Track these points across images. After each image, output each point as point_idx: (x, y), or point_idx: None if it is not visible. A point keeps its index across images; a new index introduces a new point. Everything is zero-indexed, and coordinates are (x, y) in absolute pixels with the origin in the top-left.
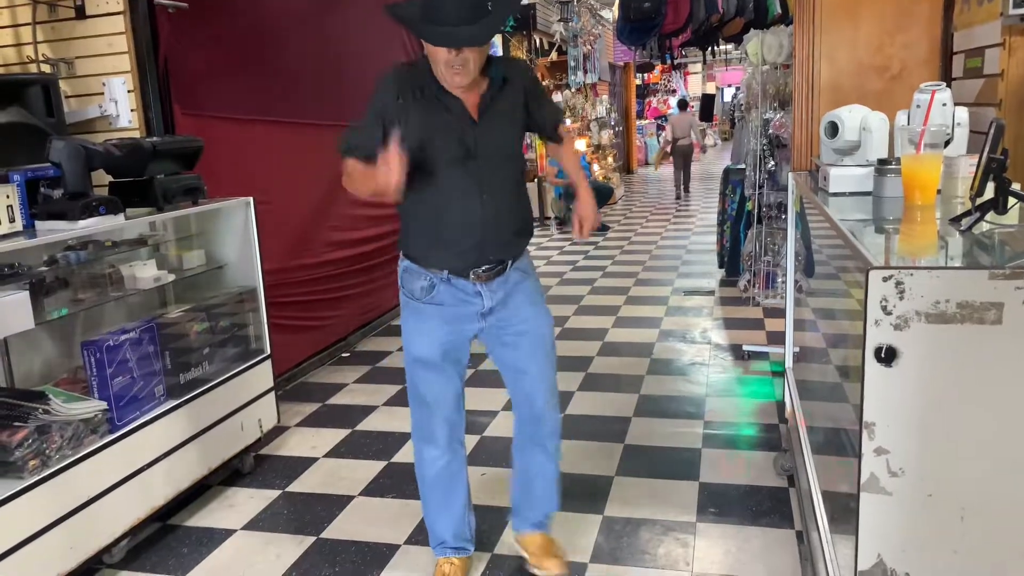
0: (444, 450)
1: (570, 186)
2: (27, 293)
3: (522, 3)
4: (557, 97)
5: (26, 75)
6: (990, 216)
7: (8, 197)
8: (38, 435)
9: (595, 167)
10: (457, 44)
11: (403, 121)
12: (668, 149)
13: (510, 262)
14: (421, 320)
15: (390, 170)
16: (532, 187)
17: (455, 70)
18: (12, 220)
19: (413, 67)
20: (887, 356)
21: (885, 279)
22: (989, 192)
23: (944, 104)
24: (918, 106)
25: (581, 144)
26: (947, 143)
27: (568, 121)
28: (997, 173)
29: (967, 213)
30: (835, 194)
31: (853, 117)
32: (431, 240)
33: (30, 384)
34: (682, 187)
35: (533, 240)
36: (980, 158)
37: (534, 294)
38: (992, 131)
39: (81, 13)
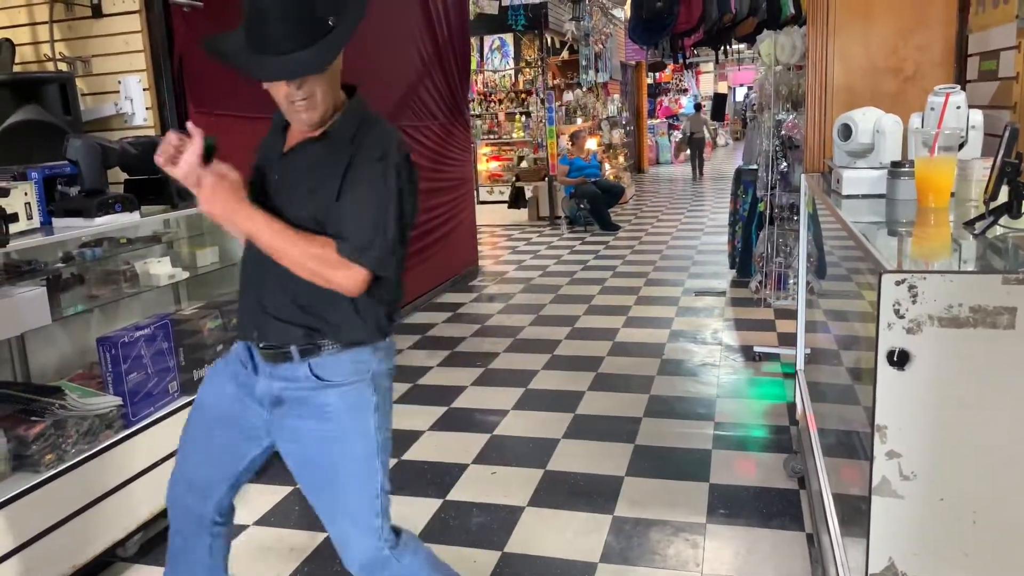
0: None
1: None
2: (44, 289)
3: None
4: (568, 96)
5: (43, 73)
6: (1004, 220)
7: (26, 194)
8: (54, 430)
9: (606, 166)
10: (286, 76)
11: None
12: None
13: (294, 351)
14: (219, 367)
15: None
16: (543, 186)
17: (297, 107)
18: (30, 217)
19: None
20: (899, 360)
21: (898, 283)
22: (1003, 196)
23: (958, 107)
24: (932, 109)
25: (592, 143)
26: (961, 146)
27: (579, 120)
28: (1011, 177)
29: (981, 217)
30: (848, 196)
31: (867, 119)
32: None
33: (46, 379)
34: (697, 171)
35: (543, 239)
36: (994, 161)
37: (328, 414)
38: (1007, 135)
39: (98, 12)
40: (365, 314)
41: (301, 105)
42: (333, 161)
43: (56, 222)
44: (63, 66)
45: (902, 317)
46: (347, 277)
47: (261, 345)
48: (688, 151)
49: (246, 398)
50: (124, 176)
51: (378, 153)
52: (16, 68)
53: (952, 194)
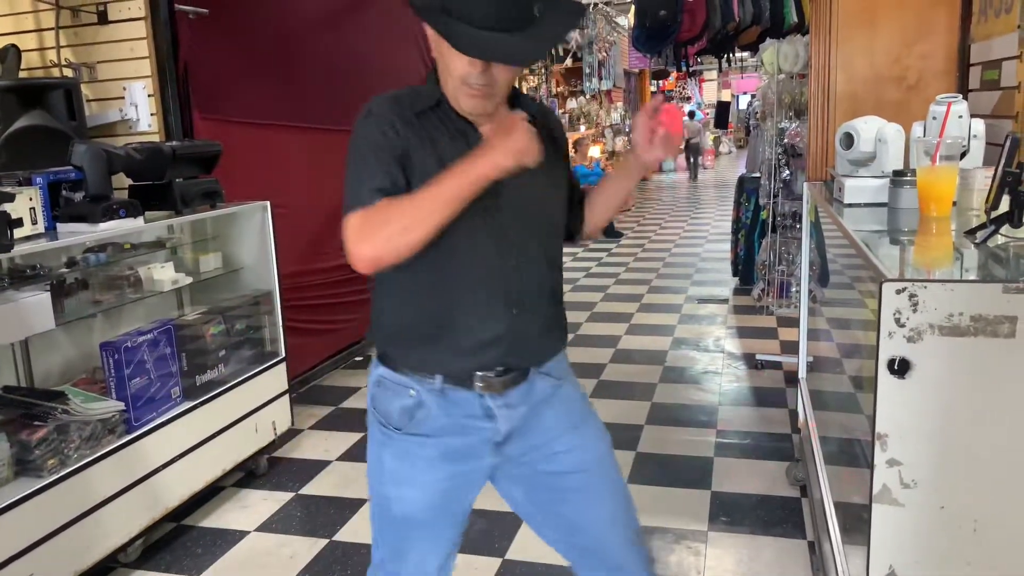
0: None
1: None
2: (48, 294)
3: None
4: (572, 103)
5: (49, 79)
6: (1005, 229)
7: (31, 199)
8: (57, 434)
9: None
10: (493, 56)
11: (413, 155)
12: (683, 146)
13: (533, 368)
14: (397, 461)
15: (521, 133)
16: None
17: (474, 91)
18: (35, 222)
19: (404, 93)
20: (900, 368)
21: (899, 291)
22: (1004, 205)
23: (960, 116)
24: (934, 118)
25: (595, 151)
26: (963, 155)
27: (583, 127)
28: (1013, 186)
29: (982, 226)
30: (850, 205)
31: (869, 128)
32: (428, 329)
33: (49, 384)
34: (691, 172)
35: None
36: (996, 171)
37: (575, 407)
38: (1008, 144)
39: (103, 18)
40: None
41: (477, 90)
42: (552, 148)
43: (60, 227)
44: (68, 72)
45: (903, 326)
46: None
47: (497, 372)
48: (684, 155)
49: (463, 465)
50: (128, 182)
51: (560, 127)
52: (22, 74)
53: (954, 203)
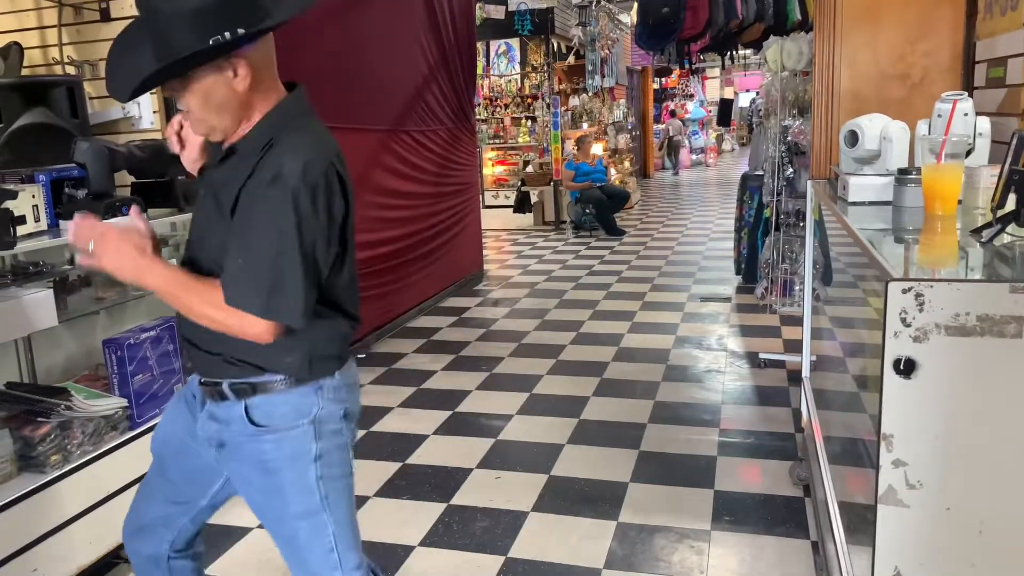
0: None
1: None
2: (51, 291)
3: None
4: (574, 101)
5: (51, 76)
6: (1011, 228)
7: (34, 197)
8: (60, 431)
9: (612, 171)
10: (112, 91)
11: None
12: (665, 142)
13: (226, 387)
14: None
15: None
16: (548, 191)
17: (184, 116)
18: (37, 219)
19: None
20: (906, 368)
21: (905, 291)
22: (1011, 204)
23: (966, 114)
24: (939, 115)
25: (598, 148)
26: (968, 153)
27: (585, 125)
28: (1019, 185)
29: (988, 225)
30: (854, 203)
31: (873, 126)
32: None
33: (52, 380)
34: (672, 168)
35: (549, 243)
36: (1002, 169)
37: (259, 469)
38: (1014, 143)
39: (106, 16)
40: (295, 349)
41: (184, 117)
42: (231, 180)
43: (63, 224)
44: (71, 69)
45: (908, 325)
46: (244, 327)
47: (201, 380)
48: (666, 151)
49: (194, 433)
50: (131, 179)
51: (269, 175)
52: (24, 71)
53: (959, 201)
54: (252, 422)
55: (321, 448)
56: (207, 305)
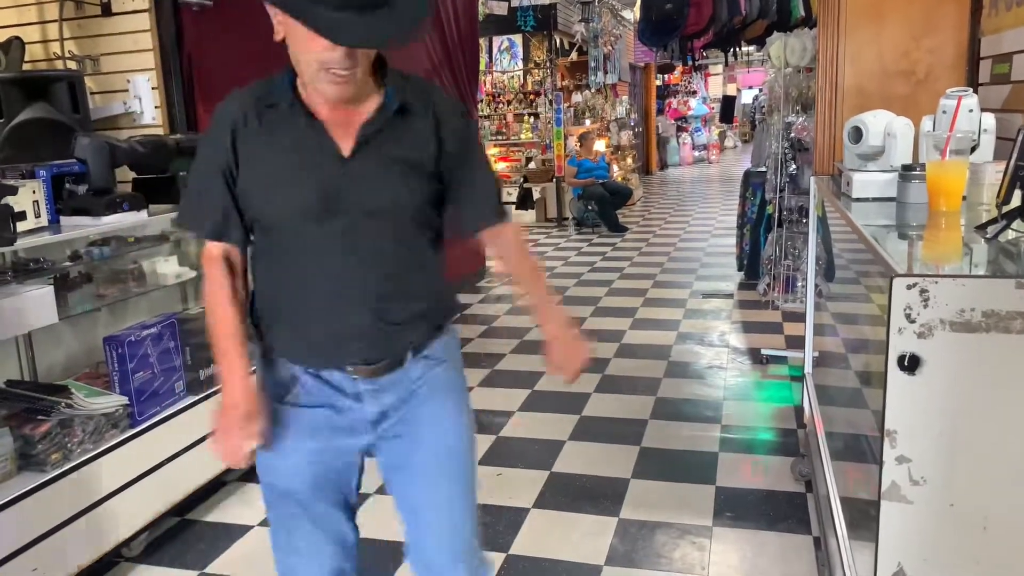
0: None
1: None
2: (51, 288)
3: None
4: (577, 97)
5: (52, 71)
6: (1016, 224)
7: (34, 192)
8: (60, 429)
9: (614, 168)
10: (345, 40)
11: (243, 160)
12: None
13: (409, 354)
14: (278, 432)
15: (228, 447)
16: (551, 187)
17: (336, 77)
18: (38, 215)
19: (268, 83)
20: (910, 364)
21: (909, 287)
22: (1016, 200)
23: (971, 110)
24: (944, 112)
25: (600, 145)
26: (973, 149)
27: (588, 121)
28: None
29: (993, 221)
30: (858, 199)
31: (877, 122)
32: (281, 321)
33: (53, 378)
34: (659, 164)
35: (551, 240)
36: (1007, 165)
37: (445, 390)
38: (1020, 138)
39: (107, 10)
40: (448, 281)
41: (340, 77)
42: (418, 136)
43: (64, 220)
44: (72, 64)
45: (913, 321)
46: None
47: (362, 363)
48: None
49: (336, 440)
50: (132, 175)
51: (462, 109)
52: (25, 66)
53: (964, 198)
54: (433, 359)
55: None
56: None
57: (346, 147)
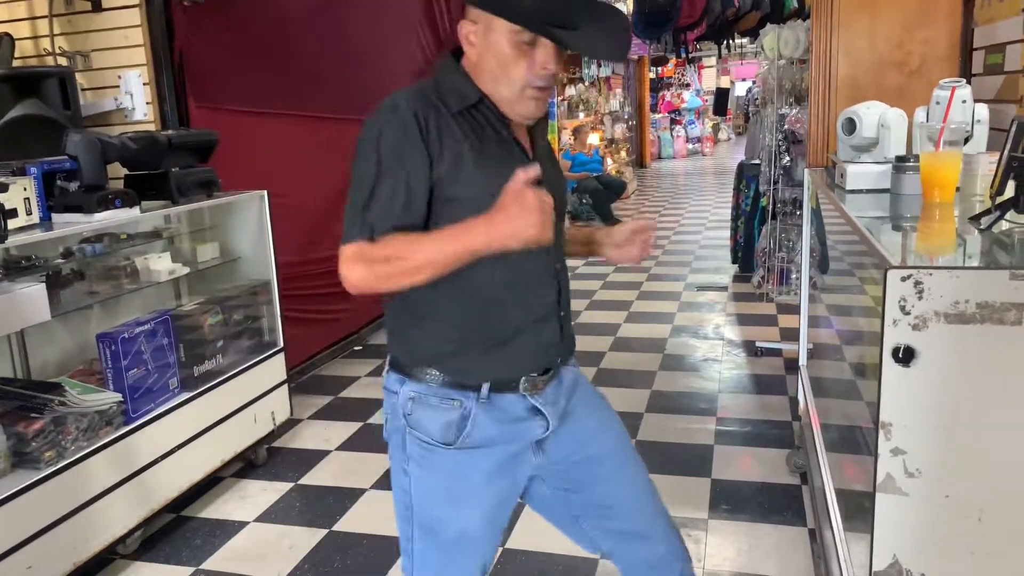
0: None
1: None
2: (44, 285)
3: None
4: (571, 91)
5: (43, 68)
6: (1010, 215)
7: (25, 190)
8: (54, 426)
9: (608, 161)
10: (611, 56)
11: (448, 164)
12: None
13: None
14: (449, 480)
15: (536, 206)
16: None
17: (539, 93)
18: (29, 212)
19: (432, 88)
20: (905, 356)
21: (904, 279)
22: (1009, 191)
23: (964, 101)
24: (937, 103)
25: (594, 138)
26: (967, 140)
27: (581, 115)
28: (1018, 172)
29: (987, 212)
30: (852, 191)
31: (871, 114)
32: (480, 340)
33: (46, 375)
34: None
35: None
36: (1001, 156)
37: (591, 391)
38: (1013, 129)
39: (97, 6)
40: None
41: (541, 93)
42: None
43: (56, 217)
44: (63, 61)
45: (908, 313)
46: None
47: (544, 373)
48: None
49: (518, 468)
50: (124, 171)
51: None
52: (16, 62)
53: (957, 189)
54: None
55: None
56: None
57: (530, 150)
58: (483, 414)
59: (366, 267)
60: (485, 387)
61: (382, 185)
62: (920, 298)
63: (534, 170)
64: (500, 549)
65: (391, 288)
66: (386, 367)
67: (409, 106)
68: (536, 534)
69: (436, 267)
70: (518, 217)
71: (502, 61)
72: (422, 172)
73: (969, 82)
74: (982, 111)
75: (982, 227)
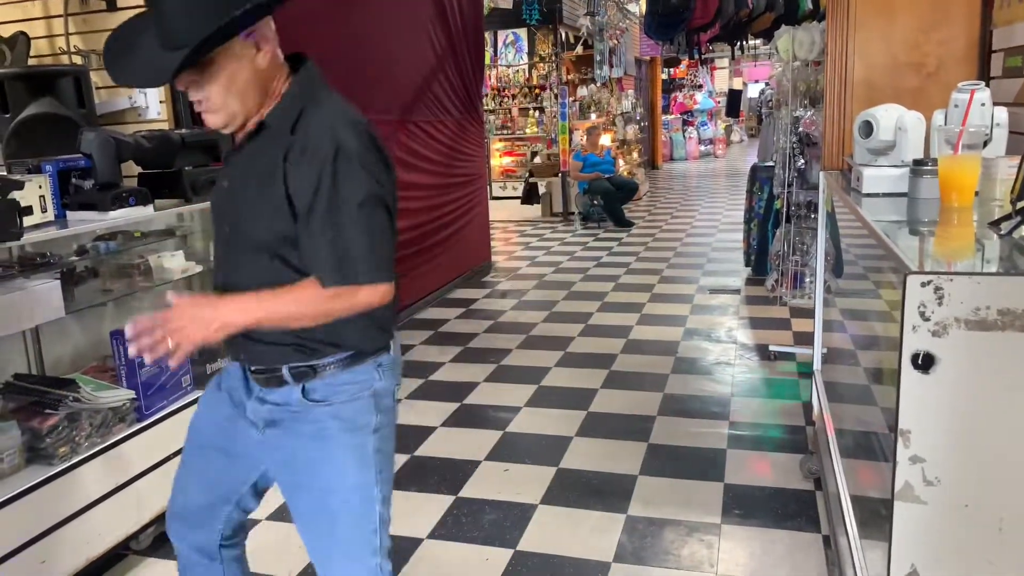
0: None
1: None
2: (58, 282)
3: None
4: (582, 91)
5: (58, 66)
6: None
7: (41, 187)
8: (68, 423)
9: (620, 162)
10: (116, 78)
11: None
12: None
13: (286, 371)
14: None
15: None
16: (556, 182)
17: (199, 107)
18: (44, 210)
19: None
20: (924, 363)
21: (924, 284)
22: None
23: (983, 104)
24: (956, 106)
25: (606, 139)
26: (986, 144)
27: (593, 116)
28: None
29: (1007, 217)
30: (868, 195)
31: (888, 116)
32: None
33: (60, 372)
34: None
35: (557, 235)
36: (1021, 160)
37: (307, 460)
38: None
39: (112, 5)
40: (356, 324)
41: (200, 108)
42: (267, 155)
43: (70, 215)
44: (78, 59)
45: (927, 319)
46: (360, 300)
47: (252, 369)
48: None
49: (240, 419)
50: (138, 170)
51: (330, 149)
52: (31, 61)
53: (976, 193)
54: (311, 400)
55: (379, 421)
56: (316, 301)
57: (234, 147)
58: (232, 365)
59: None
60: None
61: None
62: (940, 304)
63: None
64: (511, 552)
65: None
66: None
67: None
68: (547, 537)
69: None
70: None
71: None
72: None
73: (987, 85)
74: (1001, 114)
75: (1002, 232)
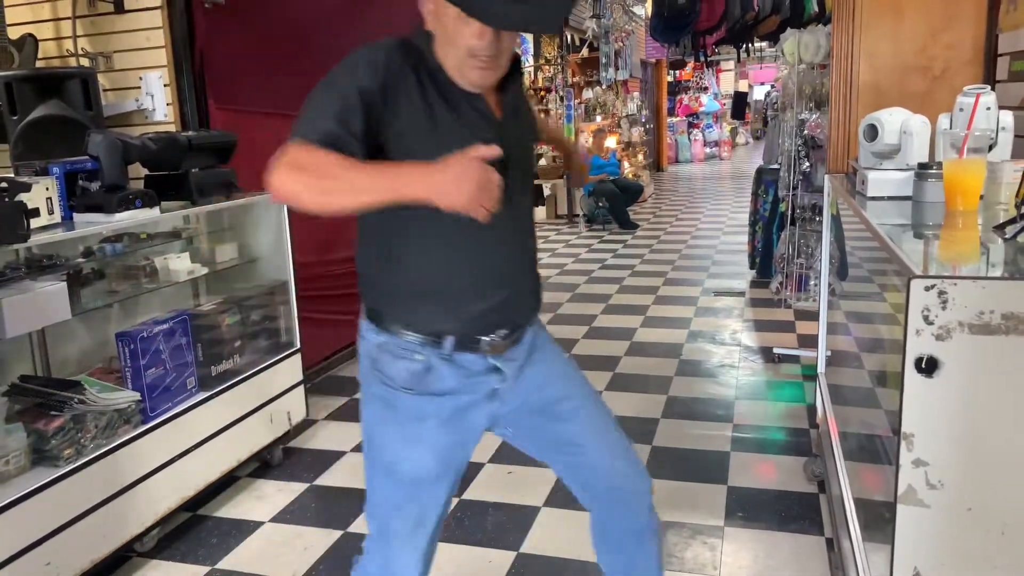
0: None
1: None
2: (64, 284)
3: None
4: (588, 94)
5: (65, 69)
6: None
7: (48, 189)
8: (73, 424)
9: (625, 164)
10: (497, 23)
11: (402, 115)
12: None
13: (527, 326)
14: (407, 422)
15: (476, 179)
16: (561, 184)
17: (481, 63)
18: (51, 212)
19: (411, 43)
20: (928, 367)
21: (928, 288)
22: None
23: (988, 108)
24: (961, 109)
25: (611, 141)
26: (991, 148)
27: (599, 118)
28: None
29: (1012, 221)
30: (873, 198)
31: (893, 120)
32: (433, 296)
33: (66, 373)
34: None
35: (561, 237)
36: None
37: (554, 345)
38: None
39: (120, 8)
40: None
41: (484, 62)
42: (522, 90)
43: (77, 217)
44: (85, 62)
45: (931, 323)
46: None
47: (502, 336)
48: None
49: (472, 415)
50: (144, 172)
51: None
52: (39, 63)
53: (981, 197)
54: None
55: None
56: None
57: (498, 111)
58: (445, 368)
59: (295, 173)
60: (448, 343)
61: (330, 105)
62: (944, 308)
63: (494, 150)
64: (514, 554)
65: (315, 206)
66: (362, 312)
67: (386, 48)
68: (551, 539)
69: (364, 196)
70: (455, 182)
71: (446, 30)
72: (364, 97)
73: (993, 88)
74: (1007, 118)
75: (1007, 236)
